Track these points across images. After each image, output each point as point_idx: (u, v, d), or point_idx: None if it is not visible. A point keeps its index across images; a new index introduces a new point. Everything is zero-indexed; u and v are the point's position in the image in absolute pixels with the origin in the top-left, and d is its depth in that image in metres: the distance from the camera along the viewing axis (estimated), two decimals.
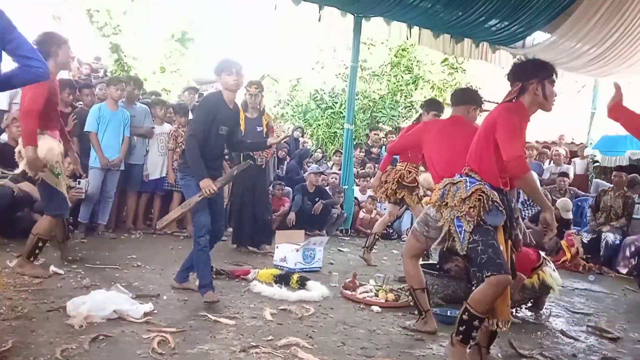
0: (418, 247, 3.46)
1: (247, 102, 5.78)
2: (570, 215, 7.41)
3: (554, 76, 2.90)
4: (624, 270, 6.78)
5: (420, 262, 4.12)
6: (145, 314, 3.26)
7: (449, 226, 2.87)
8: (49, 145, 3.89)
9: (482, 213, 2.76)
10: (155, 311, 3.39)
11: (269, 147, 5.08)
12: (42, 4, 13.48)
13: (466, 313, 2.81)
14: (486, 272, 2.75)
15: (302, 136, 9.48)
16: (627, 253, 6.90)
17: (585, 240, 7.29)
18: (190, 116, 6.60)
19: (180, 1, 15.98)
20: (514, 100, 2.90)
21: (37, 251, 4.06)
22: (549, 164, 9.85)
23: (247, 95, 5.79)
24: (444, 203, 2.92)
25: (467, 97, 4.26)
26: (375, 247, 6.16)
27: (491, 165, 2.85)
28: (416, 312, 3.66)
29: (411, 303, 3.77)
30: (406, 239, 3.75)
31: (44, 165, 3.78)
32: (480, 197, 2.77)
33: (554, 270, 4.28)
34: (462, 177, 2.92)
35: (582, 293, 5.58)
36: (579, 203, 8.51)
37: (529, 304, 4.36)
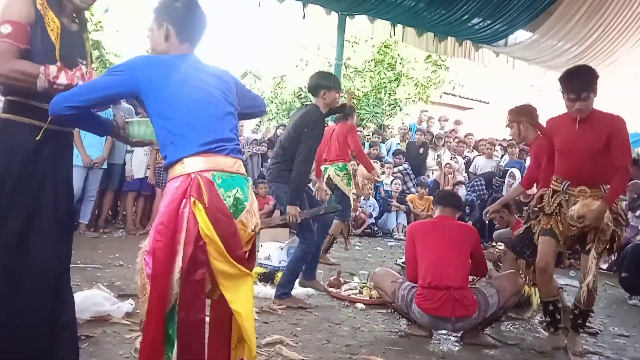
0: (386, 298, 3.62)
1: None
2: None
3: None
4: (604, 266, 6.87)
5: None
6: (128, 314, 3.23)
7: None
8: None
9: None
10: (138, 310, 3.34)
11: None
12: None
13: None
14: None
15: None
16: None
17: None
18: None
19: None
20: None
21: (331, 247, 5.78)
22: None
23: None
24: None
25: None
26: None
27: None
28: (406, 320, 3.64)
29: (398, 317, 3.75)
30: (382, 275, 3.70)
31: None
32: None
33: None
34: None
35: (564, 288, 5.65)
36: None
37: None
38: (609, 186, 3.19)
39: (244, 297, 1.85)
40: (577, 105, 3.12)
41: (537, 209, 3.43)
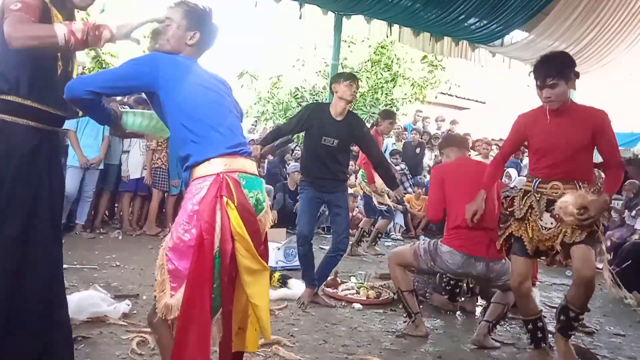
0: (411, 265, 3.51)
1: None
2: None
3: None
4: (600, 265, 6.88)
5: None
6: (124, 315, 3.22)
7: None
8: None
9: None
10: (135, 311, 3.35)
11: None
12: None
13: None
14: None
15: None
16: (603, 248, 7.01)
17: None
18: None
19: None
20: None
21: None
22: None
23: None
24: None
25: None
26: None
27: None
28: (405, 315, 3.62)
29: (400, 306, 3.74)
30: (400, 248, 3.74)
31: None
32: None
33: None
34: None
35: (560, 288, 5.68)
36: None
37: None
38: (585, 183, 2.84)
39: (263, 291, 1.94)
40: (545, 93, 2.77)
41: (507, 212, 3.09)
